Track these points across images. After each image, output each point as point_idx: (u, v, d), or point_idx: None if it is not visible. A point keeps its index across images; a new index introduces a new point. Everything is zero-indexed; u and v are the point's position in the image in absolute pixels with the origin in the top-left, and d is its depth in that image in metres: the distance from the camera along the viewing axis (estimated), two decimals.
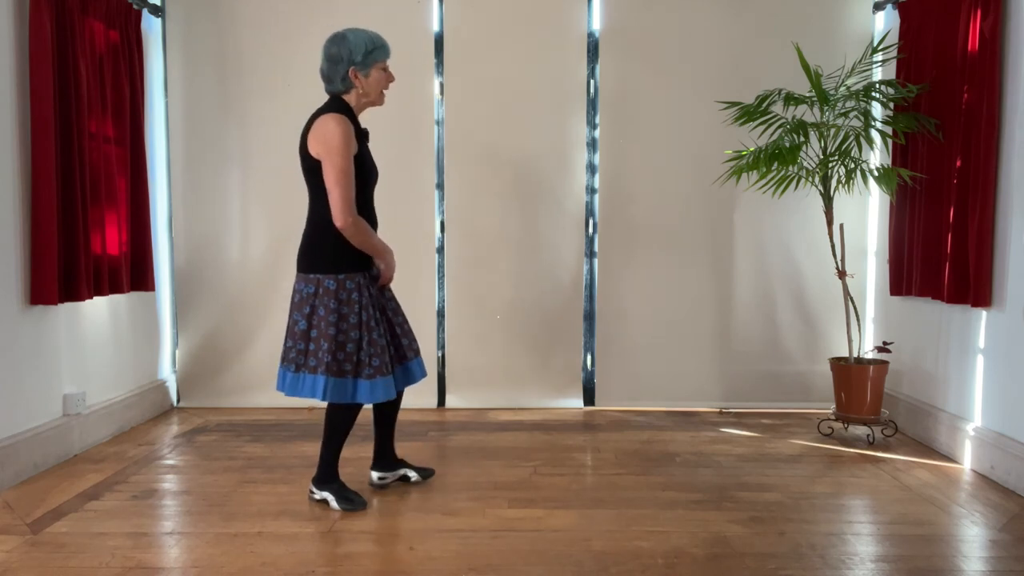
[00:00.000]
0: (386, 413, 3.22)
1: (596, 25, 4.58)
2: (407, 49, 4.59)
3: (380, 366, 2.91)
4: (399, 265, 4.62)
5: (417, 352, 3.16)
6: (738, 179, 4.13)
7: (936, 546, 2.67)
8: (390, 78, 2.99)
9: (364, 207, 2.99)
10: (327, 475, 3.03)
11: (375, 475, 3.24)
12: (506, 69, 4.58)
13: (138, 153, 4.13)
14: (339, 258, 2.90)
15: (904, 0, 4.07)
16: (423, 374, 3.19)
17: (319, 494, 3.03)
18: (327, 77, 2.95)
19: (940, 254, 3.69)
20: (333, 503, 2.98)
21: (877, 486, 3.28)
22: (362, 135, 2.98)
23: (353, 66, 2.91)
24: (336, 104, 2.93)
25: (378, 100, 3.01)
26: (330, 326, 2.86)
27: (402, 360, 3.11)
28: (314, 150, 2.85)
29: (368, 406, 3.06)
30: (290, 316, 2.97)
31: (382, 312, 3.03)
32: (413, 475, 3.29)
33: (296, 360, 2.94)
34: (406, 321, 3.16)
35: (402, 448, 3.80)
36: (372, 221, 3.08)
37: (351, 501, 2.98)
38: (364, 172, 2.96)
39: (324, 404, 4.55)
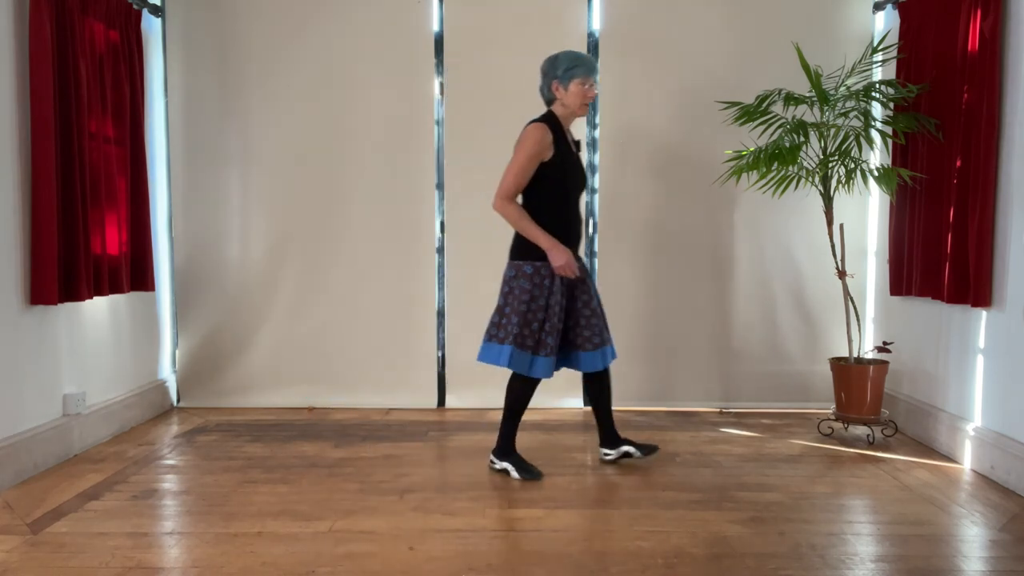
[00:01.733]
0: (595, 397, 3.54)
1: (596, 25, 4.58)
2: (407, 49, 4.60)
3: (553, 346, 3.29)
4: (398, 264, 4.66)
5: (597, 344, 3.37)
6: (738, 179, 4.13)
7: (936, 546, 2.67)
8: (588, 93, 3.30)
9: (567, 209, 3.34)
10: (506, 447, 3.43)
11: (601, 451, 3.58)
12: (506, 69, 4.58)
13: (138, 153, 4.13)
14: (538, 247, 3.25)
15: (904, 0, 4.07)
16: (594, 364, 3.38)
17: (499, 464, 3.43)
18: (541, 89, 3.41)
19: (940, 254, 3.69)
20: (513, 473, 3.37)
21: (877, 486, 3.28)
22: (564, 142, 3.32)
23: (555, 80, 3.32)
24: (544, 114, 3.34)
25: (579, 111, 3.34)
26: (521, 304, 3.26)
27: (574, 348, 3.39)
28: None
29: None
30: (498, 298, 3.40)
31: (571, 300, 3.35)
32: (635, 452, 3.55)
33: (488, 331, 3.37)
34: (595, 315, 3.38)
35: (401, 448, 3.81)
36: (575, 223, 3.38)
37: (529, 471, 3.36)
38: (565, 176, 3.31)
39: (318, 405, 4.63)
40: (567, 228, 3.33)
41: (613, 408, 3.58)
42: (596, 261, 4.67)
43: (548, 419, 4.40)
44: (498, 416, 4.47)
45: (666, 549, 2.63)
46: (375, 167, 4.62)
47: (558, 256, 3.22)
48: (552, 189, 3.29)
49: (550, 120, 3.31)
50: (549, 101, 3.37)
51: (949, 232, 3.59)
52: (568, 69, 3.29)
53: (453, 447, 3.86)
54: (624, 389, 4.68)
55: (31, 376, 3.42)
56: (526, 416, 4.44)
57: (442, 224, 4.65)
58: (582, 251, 4.62)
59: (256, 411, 4.56)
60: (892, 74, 4.14)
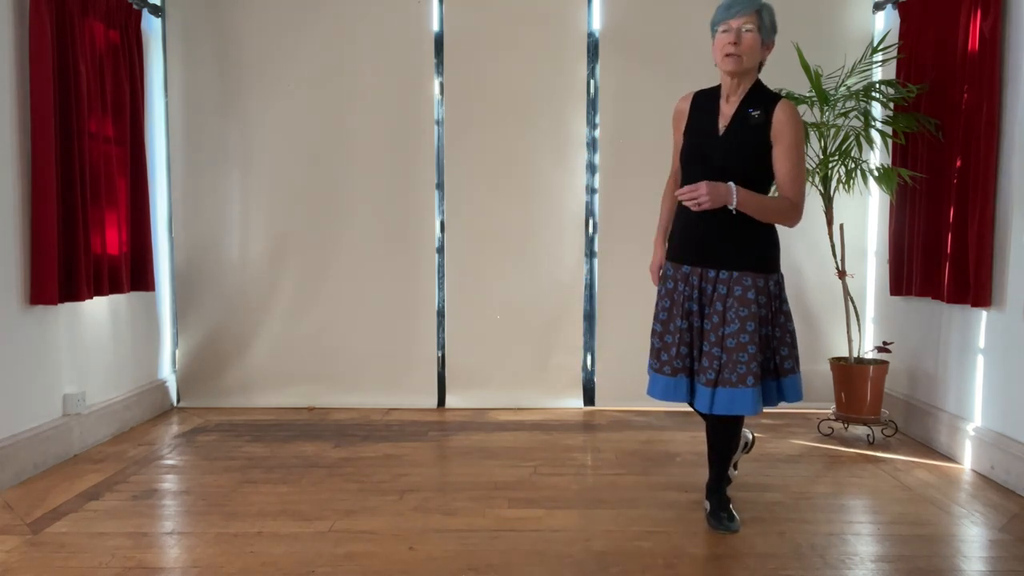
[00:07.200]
0: (708, 442, 2.91)
1: (596, 25, 4.58)
2: (407, 49, 4.60)
3: (665, 363, 2.81)
4: (398, 264, 4.66)
5: (710, 382, 2.68)
6: None
7: (936, 546, 2.67)
8: (724, 40, 2.64)
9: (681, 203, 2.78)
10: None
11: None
12: (506, 69, 4.58)
13: (138, 153, 4.12)
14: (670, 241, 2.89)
15: (904, 0, 4.07)
16: (702, 404, 2.73)
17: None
18: None
19: (940, 254, 3.69)
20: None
21: (877, 486, 3.28)
22: (700, 116, 2.78)
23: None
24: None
25: (721, 65, 2.68)
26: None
27: (690, 375, 2.79)
28: None
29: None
30: None
31: (686, 316, 2.76)
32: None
33: None
34: (720, 346, 2.67)
35: (401, 448, 3.80)
36: (689, 222, 2.77)
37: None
38: (683, 159, 2.82)
39: (318, 405, 4.63)
40: (679, 223, 2.83)
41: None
42: (596, 261, 4.67)
43: (548, 419, 4.40)
44: (498, 416, 4.52)
45: (666, 549, 2.63)
46: (375, 167, 4.61)
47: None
48: (680, 164, 2.85)
49: (706, 89, 2.83)
50: None
51: (949, 232, 3.59)
52: (712, 19, 2.69)
53: (453, 447, 3.86)
54: (625, 389, 4.68)
55: (31, 376, 3.42)
56: (526, 416, 4.46)
57: (442, 224, 4.65)
58: (582, 251, 4.67)
59: (256, 411, 4.55)
60: (892, 74, 4.13)
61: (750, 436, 3.18)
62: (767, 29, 2.66)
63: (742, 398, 2.65)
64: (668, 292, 2.83)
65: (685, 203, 2.64)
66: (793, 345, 2.81)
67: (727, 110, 2.72)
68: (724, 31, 2.64)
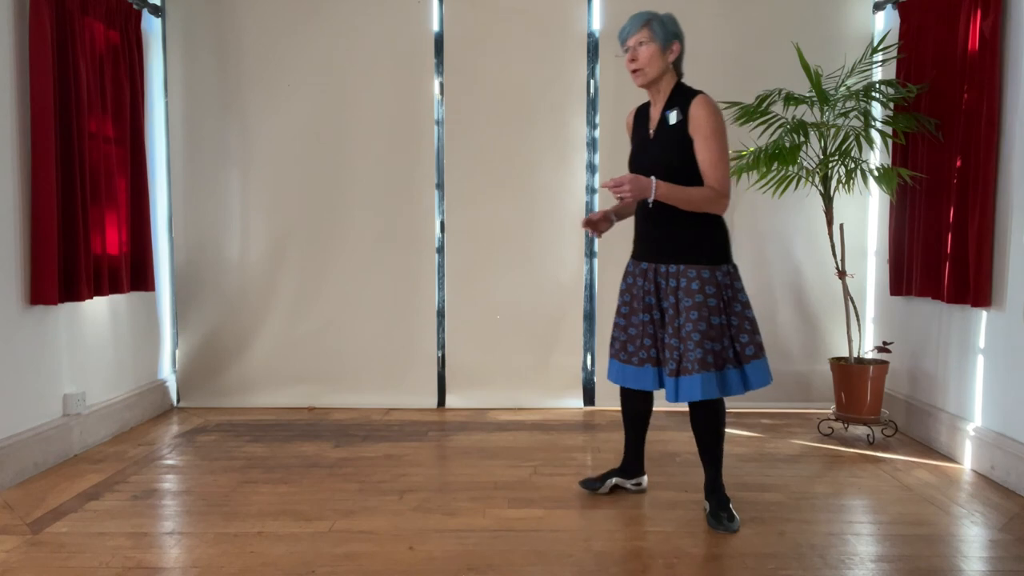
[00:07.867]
0: (629, 414, 3.14)
1: (596, 25, 4.58)
2: (407, 49, 4.60)
3: (618, 351, 3.02)
4: (398, 264, 4.67)
5: (675, 372, 2.82)
6: (738, 179, 4.13)
7: (936, 546, 2.67)
8: (626, 60, 2.90)
9: (639, 207, 3.00)
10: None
11: (631, 481, 3.21)
12: (506, 69, 4.58)
13: (138, 153, 4.13)
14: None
15: (904, 0, 4.08)
16: (668, 393, 2.85)
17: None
18: None
19: (940, 254, 3.69)
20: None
21: (877, 486, 3.28)
22: (639, 126, 3.00)
23: None
24: None
25: (633, 82, 2.94)
26: None
27: (656, 364, 2.93)
28: None
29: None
30: None
31: (646, 310, 2.91)
32: (628, 484, 3.21)
33: None
34: (677, 337, 2.81)
35: (401, 448, 3.80)
36: (640, 223, 2.97)
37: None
38: (629, 156, 3.03)
39: (318, 405, 4.64)
40: (637, 222, 2.99)
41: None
42: (596, 261, 4.67)
43: (548, 419, 4.40)
44: (498, 416, 4.52)
45: (666, 549, 2.63)
46: (375, 167, 4.62)
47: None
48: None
49: (646, 102, 3.02)
50: None
51: (949, 232, 3.59)
52: None
53: (453, 447, 3.86)
54: None
55: (31, 376, 3.42)
56: (526, 416, 4.46)
57: (442, 224, 4.66)
58: (582, 251, 4.68)
59: (256, 411, 4.56)
60: (892, 74, 4.14)
61: (644, 483, 3.22)
62: (663, 36, 2.87)
63: (692, 384, 2.77)
64: (628, 288, 3.00)
65: (612, 194, 2.79)
66: (754, 332, 2.88)
67: (655, 115, 2.94)
68: (625, 52, 2.89)
